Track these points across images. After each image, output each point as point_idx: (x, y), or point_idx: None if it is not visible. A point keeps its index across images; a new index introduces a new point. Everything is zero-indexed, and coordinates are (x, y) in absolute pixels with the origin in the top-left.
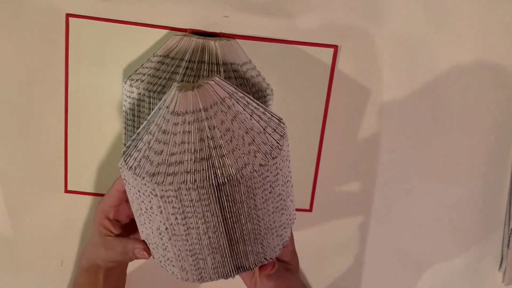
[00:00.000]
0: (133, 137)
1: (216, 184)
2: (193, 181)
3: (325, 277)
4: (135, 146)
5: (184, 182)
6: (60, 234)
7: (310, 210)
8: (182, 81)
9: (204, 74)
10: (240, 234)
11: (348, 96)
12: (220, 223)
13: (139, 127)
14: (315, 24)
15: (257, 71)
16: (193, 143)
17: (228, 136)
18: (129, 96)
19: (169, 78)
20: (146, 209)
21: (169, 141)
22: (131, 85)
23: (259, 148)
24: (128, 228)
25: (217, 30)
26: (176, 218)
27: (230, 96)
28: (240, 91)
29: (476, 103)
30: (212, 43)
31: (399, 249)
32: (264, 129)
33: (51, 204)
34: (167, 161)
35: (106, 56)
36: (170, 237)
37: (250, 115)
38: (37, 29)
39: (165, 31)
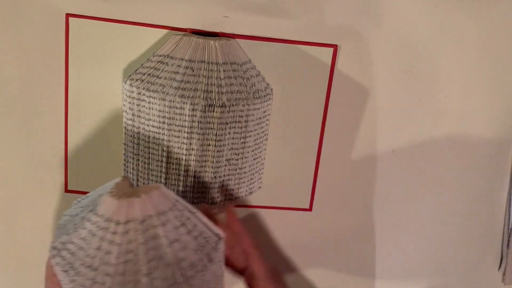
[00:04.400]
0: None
1: None
2: None
3: (325, 276)
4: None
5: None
6: None
7: (310, 209)
8: (182, 81)
9: (204, 74)
10: None
11: (348, 95)
12: None
13: (139, 127)
14: (315, 24)
15: (256, 70)
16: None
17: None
18: (129, 95)
19: (169, 78)
20: None
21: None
22: (131, 85)
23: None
24: None
25: (217, 30)
26: None
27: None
28: (160, 214)
29: (476, 103)
30: (212, 43)
31: (398, 249)
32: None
33: (51, 204)
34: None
35: (106, 56)
36: None
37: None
38: (37, 29)
39: (165, 31)
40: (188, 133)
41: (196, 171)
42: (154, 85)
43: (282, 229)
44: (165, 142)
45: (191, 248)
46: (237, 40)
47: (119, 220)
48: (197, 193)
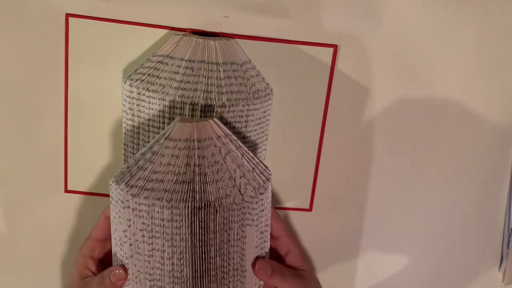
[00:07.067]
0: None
1: (192, 207)
2: (169, 200)
3: (325, 277)
4: (127, 166)
5: (159, 199)
6: (59, 234)
7: (310, 210)
8: (181, 81)
9: (204, 74)
10: (207, 267)
11: (348, 96)
12: (187, 250)
13: (139, 127)
14: (315, 24)
15: (256, 70)
16: (179, 166)
17: (215, 168)
18: (129, 96)
19: (169, 78)
20: (119, 223)
21: (155, 161)
22: (130, 85)
23: (249, 182)
24: None
25: (217, 30)
26: (143, 236)
27: (225, 135)
28: (233, 135)
29: (476, 103)
30: (212, 43)
31: (398, 249)
32: (253, 169)
33: (51, 204)
34: (148, 177)
35: (106, 56)
36: (132, 255)
37: (241, 155)
38: (37, 29)
39: (165, 31)
40: None
41: None
42: (154, 85)
43: None
44: None
45: (253, 163)
46: (237, 40)
47: (198, 138)
48: None
